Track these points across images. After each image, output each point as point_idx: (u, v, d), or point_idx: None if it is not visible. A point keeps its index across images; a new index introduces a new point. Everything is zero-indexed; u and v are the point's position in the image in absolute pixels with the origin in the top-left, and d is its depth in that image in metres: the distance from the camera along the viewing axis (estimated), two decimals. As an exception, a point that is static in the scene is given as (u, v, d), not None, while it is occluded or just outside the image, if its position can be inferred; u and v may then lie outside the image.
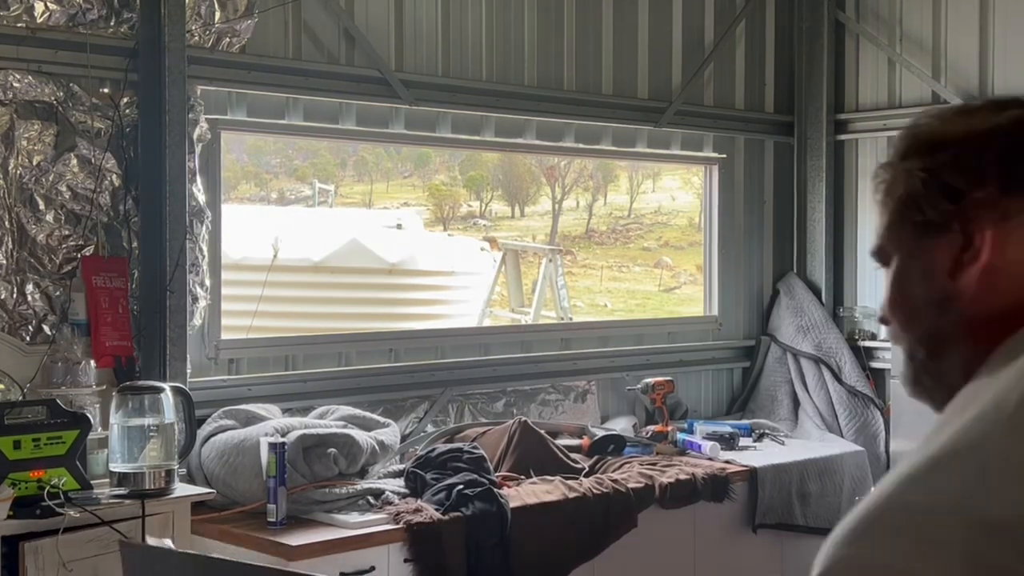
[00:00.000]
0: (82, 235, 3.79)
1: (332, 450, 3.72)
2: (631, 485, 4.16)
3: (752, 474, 4.58)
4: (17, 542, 3.05)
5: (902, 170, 1.16)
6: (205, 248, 4.06)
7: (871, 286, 5.91)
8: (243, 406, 3.99)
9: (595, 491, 4.06)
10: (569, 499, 3.99)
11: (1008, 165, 1.11)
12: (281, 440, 3.61)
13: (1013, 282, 1.10)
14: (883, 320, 1.23)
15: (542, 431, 4.52)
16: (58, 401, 3.33)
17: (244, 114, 4.20)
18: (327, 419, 4.03)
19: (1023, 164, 1.11)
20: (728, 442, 4.85)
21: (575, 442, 4.70)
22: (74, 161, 3.77)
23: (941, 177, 1.13)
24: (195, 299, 4.00)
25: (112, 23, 3.81)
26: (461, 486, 3.77)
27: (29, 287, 3.68)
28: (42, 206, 3.72)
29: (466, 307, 8.41)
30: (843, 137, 5.98)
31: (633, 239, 12.28)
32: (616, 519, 4.05)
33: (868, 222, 5.92)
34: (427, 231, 10.96)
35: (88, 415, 3.40)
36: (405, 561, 3.54)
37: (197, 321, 4.04)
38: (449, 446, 4.13)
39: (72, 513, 3.12)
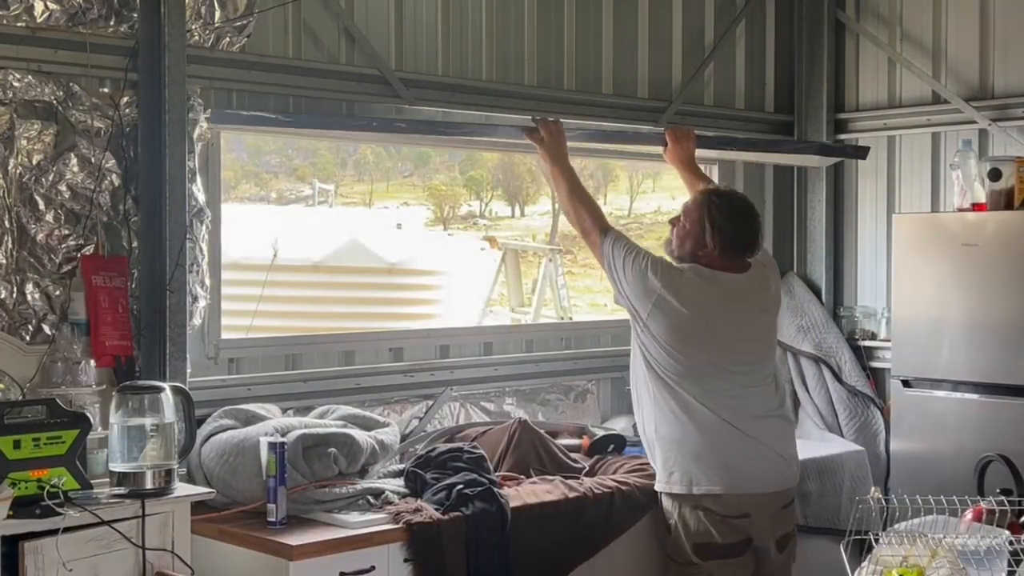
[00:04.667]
0: (82, 235, 3.78)
1: (332, 450, 3.72)
2: (631, 485, 4.16)
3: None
4: (17, 542, 3.05)
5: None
6: (205, 248, 4.05)
7: (871, 286, 5.91)
8: (243, 406, 3.99)
9: (595, 491, 4.06)
10: (569, 499, 3.98)
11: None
12: (281, 440, 3.61)
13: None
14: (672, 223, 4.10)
15: (542, 431, 4.52)
16: (58, 401, 3.33)
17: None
18: (327, 419, 4.03)
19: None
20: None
21: (575, 442, 4.70)
22: (74, 161, 3.77)
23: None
24: (195, 299, 4.00)
25: (112, 23, 3.81)
26: (461, 486, 3.77)
27: (29, 287, 3.68)
28: (42, 206, 3.72)
29: (466, 306, 8.41)
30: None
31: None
32: (616, 519, 4.05)
33: (868, 222, 5.93)
34: (427, 231, 10.95)
35: (88, 415, 3.40)
36: (405, 561, 3.54)
37: (197, 321, 4.04)
38: (449, 446, 4.12)
39: (72, 513, 3.12)
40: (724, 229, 3.94)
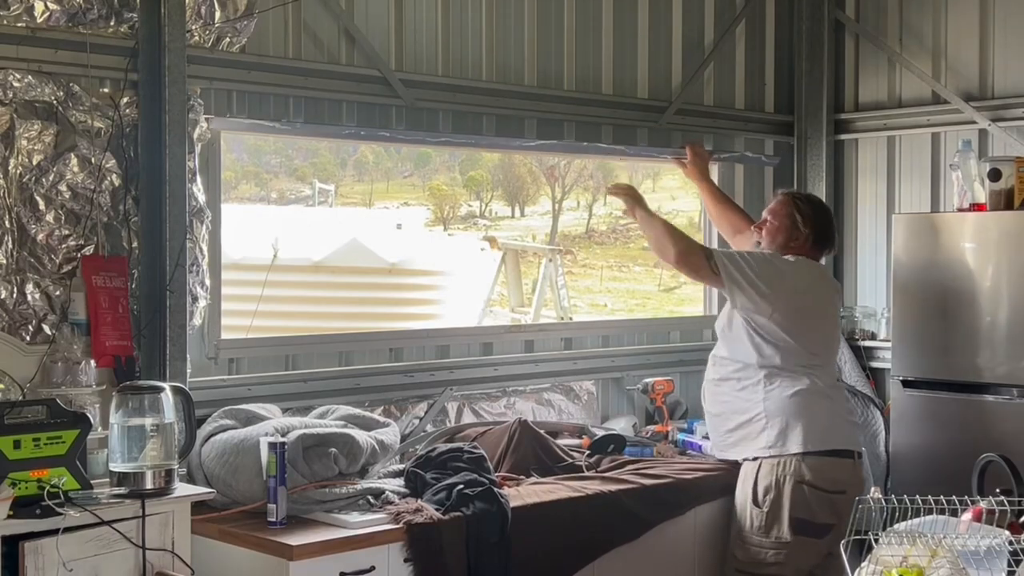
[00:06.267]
0: (82, 235, 3.79)
1: (332, 450, 3.72)
2: (632, 486, 4.16)
3: (752, 474, 4.61)
4: (17, 542, 3.05)
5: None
6: (205, 248, 4.06)
7: (871, 286, 5.91)
8: (243, 406, 3.99)
9: (598, 492, 4.06)
10: (570, 499, 3.98)
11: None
12: (281, 440, 3.61)
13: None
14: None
15: (542, 431, 4.52)
16: (58, 401, 3.33)
17: (244, 114, 4.20)
18: (327, 419, 4.03)
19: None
20: (728, 442, 4.85)
21: (575, 442, 4.70)
22: (74, 161, 3.77)
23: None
24: (195, 299, 4.00)
25: (112, 23, 3.81)
26: (461, 486, 3.77)
27: (29, 287, 3.68)
28: (42, 206, 3.72)
29: (466, 307, 8.41)
30: (843, 137, 5.98)
31: (633, 239, 12.28)
32: (618, 521, 4.05)
33: (868, 222, 5.93)
34: (427, 231, 10.96)
35: (88, 415, 3.40)
36: (405, 561, 3.54)
37: (197, 321, 4.04)
38: (449, 446, 4.12)
39: (72, 513, 3.12)
40: (814, 219, 4.45)
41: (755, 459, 4.27)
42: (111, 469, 3.38)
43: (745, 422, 4.32)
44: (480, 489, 3.76)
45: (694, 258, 4.34)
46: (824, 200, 5.86)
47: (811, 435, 4.21)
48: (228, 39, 4.09)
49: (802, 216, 4.43)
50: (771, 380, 4.28)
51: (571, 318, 8.29)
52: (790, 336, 4.27)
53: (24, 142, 3.67)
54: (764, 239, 4.49)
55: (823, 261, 4.62)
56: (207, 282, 4.07)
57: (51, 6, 3.69)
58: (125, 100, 3.86)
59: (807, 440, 4.20)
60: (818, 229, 4.46)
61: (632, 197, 4.61)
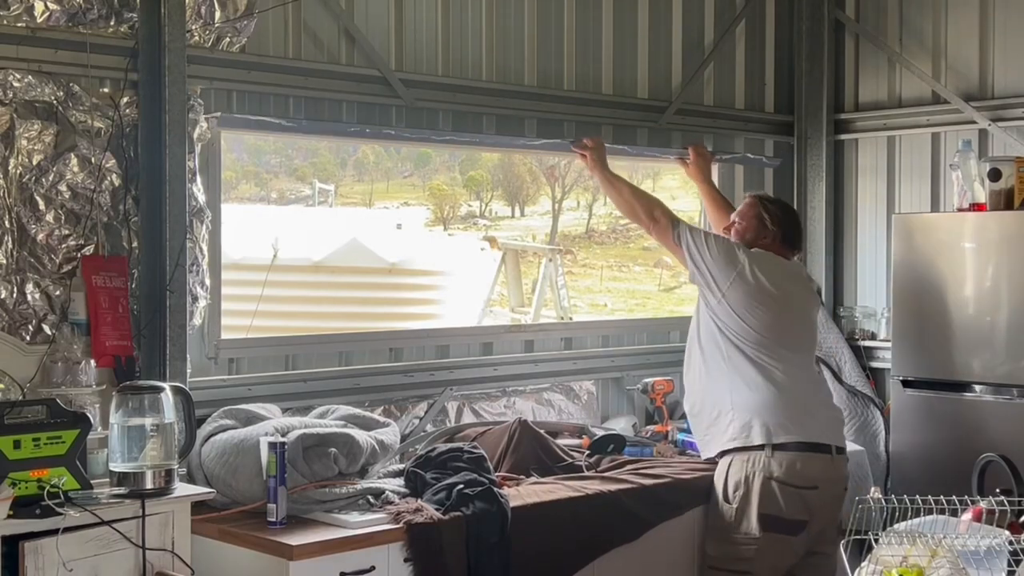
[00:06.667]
0: (82, 235, 3.79)
1: (332, 450, 3.72)
2: (632, 486, 4.16)
3: (752, 474, 4.61)
4: (17, 542, 3.05)
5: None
6: (205, 248, 4.06)
7: (871, 286, 5.91)
8: (243, 406, 3.99)
9: (598, 492, 4.06)
10: (570, 499, 3.98)
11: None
12: (281, 440, 3.61)
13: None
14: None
15: (542, 431, 4.52)
16: (58, 401, 3.33)
17: (244, 114, 4.19)
18: (327, 419, 4.03)
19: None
20: (728, 442, 4.85)
21: (575, 442, 4.70)
22: (74, 161, 3.77)
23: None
24: (195, 299, 4.00)
25: (112, 23, 3.81)
26: (461, 486, 3.77)
27: (29, 287, 3.68)
28: (42, 206, 3.72)
29: (466, 306, 8.41)
30: (843, 137, 5.98)
31: (633, 239, 12.27)
32: (618, 521, 4.05)
33: (868, 222, 5.93)
34: (427, 231, 10.96)
35: (88, 415, 3.40)
36: (405, 561, 3.54)
37: (197, 321, 4.04)
38: (449, 446, 4.12)
39: (72, 513, 3.12)
40: (781, 218, 4.52)
41: (728, 454, 4.28)
42: (111, 469, 3.38)
43: (716, 417, 4.33)
44: (480, 489, 3.76)
45: (661, 225, 4.47)
46: (825, 200, 5.92)
47: (776, 427, 4.20)
48: (228, 39, 4.09)
49: (769, 215, 4.50)
50: (737, 373, 4.29)
51: (571, 318, 8.28)
52: (745, 321, 4.27)
53: (24, 142, 3.67)
54: (734, 240, 4.53)
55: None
56: (207, 282, 4.07)
57: (51, 6, 3.69)
58: (125, 100, 3.86)
59: (771, 432, 4.19)
60: (785, 228, 4.51)
61: (598, 154, 4.67)
